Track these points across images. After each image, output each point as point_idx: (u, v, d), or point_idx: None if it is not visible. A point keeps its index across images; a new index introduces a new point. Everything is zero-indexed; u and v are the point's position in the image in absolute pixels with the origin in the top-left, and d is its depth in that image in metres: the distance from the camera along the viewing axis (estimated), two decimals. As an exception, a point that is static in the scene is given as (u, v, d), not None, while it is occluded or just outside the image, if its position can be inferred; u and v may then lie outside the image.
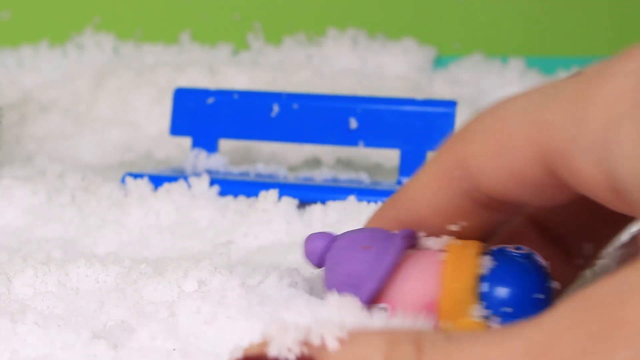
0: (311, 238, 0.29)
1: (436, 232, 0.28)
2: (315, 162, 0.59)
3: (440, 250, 0.28)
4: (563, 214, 0.30)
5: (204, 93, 0.55)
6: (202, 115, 0.55)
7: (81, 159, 0.62)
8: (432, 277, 0.27)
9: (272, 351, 0.23)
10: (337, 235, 0.29)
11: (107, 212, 0.45)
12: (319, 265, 0.29)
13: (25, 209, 0.46)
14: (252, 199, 0.46)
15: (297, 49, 0.78)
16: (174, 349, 0.26)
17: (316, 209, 0.45)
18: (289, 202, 0.45)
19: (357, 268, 0.27)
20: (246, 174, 0.53)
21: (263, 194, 0.46)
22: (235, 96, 0.54)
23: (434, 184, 0.28)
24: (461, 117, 0.54)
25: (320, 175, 0.53)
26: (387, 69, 0.75)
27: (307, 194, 0.47)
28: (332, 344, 0.22)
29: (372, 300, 0.27)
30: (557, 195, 0.26)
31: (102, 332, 0.28)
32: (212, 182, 0.48)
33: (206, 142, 0.54)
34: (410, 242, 0.28)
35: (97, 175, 0.53)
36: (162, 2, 0.80)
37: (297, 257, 0.39)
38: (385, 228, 0.29)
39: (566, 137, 0.24)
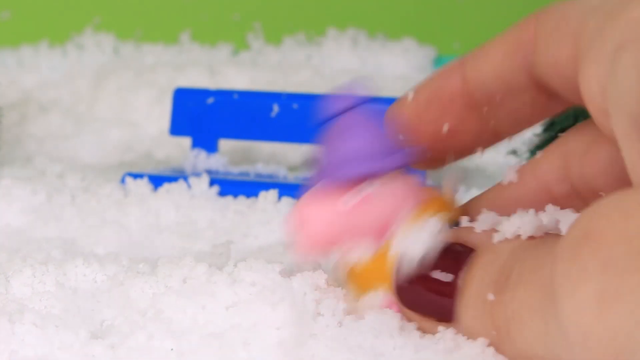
0: (337, 96, 0.29)
1: (491, 98, 0.28)
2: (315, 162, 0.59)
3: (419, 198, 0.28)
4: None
5: (204, 93, 0.55)
6: (202, 115, 0.54)
7: (81, 159, 0.62)
8: (405, 205, 0.27)
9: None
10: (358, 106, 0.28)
11: (107, 212, 0.45)
12: (329, 118, 0.28)
13: (25, 209, 0.46)
14: (252, 199, 0.46)
15: (297, 49, 0.78)
16: (172, 349, 0.26)
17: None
18: (289, 202, 0.45)
19: (362, 146, 0.27)
20: (246, 174, 0.53)
21: (263, 194, 0.46)
22: (235, 96, 0.54)
23: (504, 47, 0.28)
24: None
25: (320, 175, 0.52)
26: (387, 69, 0.75)
27: (307, 194, 0.47)
28: None
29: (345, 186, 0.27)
30: (545, 108, 0.27)
31: (100, 331, 0.28)
32: (212, 182, 0.48)
33: (206, 142, 0.54)
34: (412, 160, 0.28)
35: (97, 175, 0.53)
36: (162, 2, 0.80)
37: (296, 257, 0.39)
38: (447, 82, 0.29)
39: (586, 46, 0.24)
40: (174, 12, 0.80)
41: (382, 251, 0.27)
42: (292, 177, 0.52)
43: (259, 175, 0.53)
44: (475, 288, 0.25)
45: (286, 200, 0.45)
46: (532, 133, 0.46)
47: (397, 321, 0.27)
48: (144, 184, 0.48)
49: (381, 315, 0.27)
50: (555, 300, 0.21)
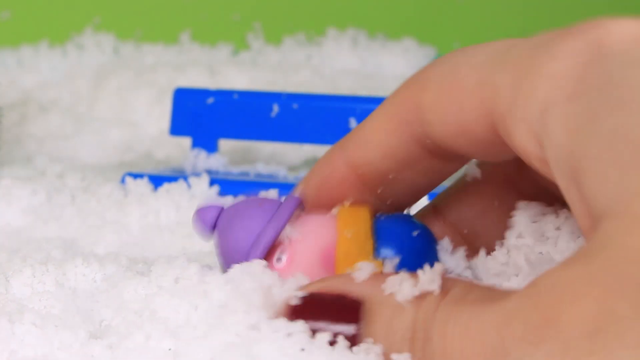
0: (201, 208, 0.31)
1: (383, 177, 0.28)
2: (315, 162, 0.59)
3: (333, 211, 0.28)
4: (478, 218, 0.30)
5: (204, 93, 0.55)
6: (202, 115, 0.54)
7: (81, 159, 0.62)
8: (327, 229, 0.28)
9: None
10: (228, 206, 0.30)
11: (107, 212, 0.45)
12: (211, 229, 0.30)
13: (25, 209, 0.46)
14: (252, 199, 0.46)
15: (297, 49, 0.78)
16: (170, 349, 0.26)
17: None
18: (289, 202, 0.45)
19: (252, 223, 0.29)
20: (246, 174, 0.53)
21: (263, 194, 0.46)
22: (235, 96, 0.54)
23: (386, 126, 0.28)
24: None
25: (320, 175, 0.53)
26: (387, 69, 0.75)
27: (307, 194, 0.47)
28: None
29: (267, 253, 0.28)
30: (502, 153, 0.26)
31: (99, 331, 0.28)
32: (212, 182, 0.48)
33: (206, 142, 0.54)
34: (300, 206, 0.29)
35: (97, 175, 0.53)
36: (162, 2, 0.80)
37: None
38: (332, 170, 0.29)
39: (508, 103, 0.24)
40: (174, 12, 0.80)
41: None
42: (292, 177, 0.52)
43: (259, 175, 0.53)
44: (384, 343, 0.24)
45: (286, 200, 0.45)
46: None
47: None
48: (144, 184, 0.48)
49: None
50: None
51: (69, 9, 0.79)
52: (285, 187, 0.47)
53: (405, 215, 0.30)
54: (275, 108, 0.54)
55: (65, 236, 0.44)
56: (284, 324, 0.26)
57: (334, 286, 0.26)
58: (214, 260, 0.36)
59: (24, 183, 0.48)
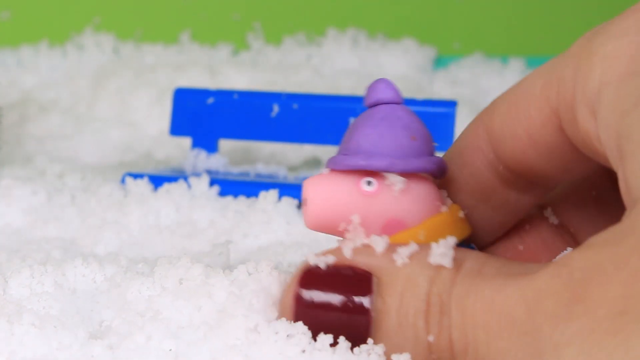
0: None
1: (462, 208, 0.27)
2: (315, 162, 0.59)
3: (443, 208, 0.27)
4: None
5: (204, 93, 0.55)
6: (202, 115, 0.55)
7: (81, 159, 0.62)
8: (428, 206, 0.27)
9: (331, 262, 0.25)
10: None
11: (107, 212, 0.45)
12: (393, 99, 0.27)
13: (25, 209, 0.46)
14: (252, 199, 0.46)
15: (297, 49, 0.78)
16: (170, 349, 0.26)
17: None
18: (289, 202, 0.45)
19: (395, 142, 0.26)
20: (246, 174, 0.53)
21: (263, 194, 0.46)
22: (235, 96, 0.54)
23: (459, 158, 0.28)
24: (461, 117, 0.54)
25: (320, 175, 0.52)
26: (387, 69, 0.75)
27: (307, 194, 0.47)
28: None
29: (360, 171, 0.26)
30: (570, 162, 0.26)
31: (99, 332, 0.28)
32: (212, 182, 0.48)
33: (206, 142, 0.54)
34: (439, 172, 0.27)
35: (97, 175, 0.53)
36: (162, 2, 0.80)
37: (297, 257, 0.39)
38: None
39: (571, 91, 0.25)
40: (174, 12, 0.80)
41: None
42: (292, 177, 0.52)
43: (259, 175, 0.53)
44: (396, 317, 0.24)
45: (286, 200, 0.45)
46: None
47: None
48: (144, 184, 0.48)
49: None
50: (545, 352, 0.22)
51: (69, 9, 0.79)
52: (285, 187, 0.48)
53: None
54: (275, 108, 0.54)
55: (65, 236, 0.44)
56: (284, 325, 0.26)
57: (345, 257, 0.25)
58: (214, 260, 0.36)
59: (24, 183, 0.48)
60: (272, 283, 0.28)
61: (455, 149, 0.28)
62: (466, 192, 0.28)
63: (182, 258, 0.30)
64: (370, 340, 0.25)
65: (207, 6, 0.80)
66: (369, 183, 0.26)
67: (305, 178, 0.52)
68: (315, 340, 0.25)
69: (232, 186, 0.48)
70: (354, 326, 0.25)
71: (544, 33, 0.76)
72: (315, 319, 0.25)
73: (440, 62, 0.75)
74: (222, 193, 0.48)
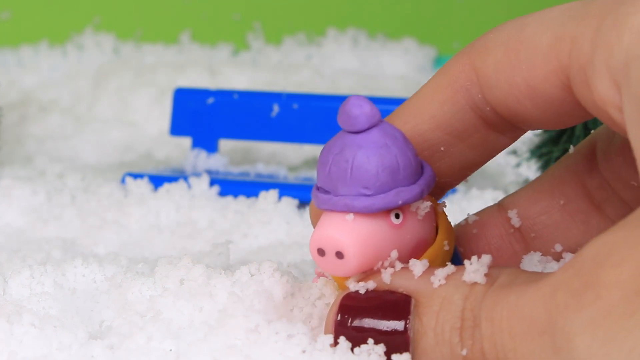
0: (358, 100, 0.26)
1: (433, 150, 0.27)
2: (315, 162, 0.59)
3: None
4: (539, 213, 0.30)
5: (204, 93, 0.55)
6: (202, 115, 0.54)
7: (81, 159, 0.62)
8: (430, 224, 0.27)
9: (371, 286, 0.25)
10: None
11: (107, 212, 0.45)
12: (367, 126, 0.25)
13: (25, 209, 0.46)
14: (252, 199, 0.46)
15: (297, 49, 0.78)
16: (170, 350, 0.26)
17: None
18: (289, 202, 0.45)
19: (404, 172, 0.26)
20: (246, 174, 0.53)
21: (263, 194, 0.46)
22: (235, 96, 0.54)
23: (441, 95, 0.27)
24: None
25: (320, 175, 0.52)
26: (387, 69, 0.75)
27: (307, 194, 0.47)
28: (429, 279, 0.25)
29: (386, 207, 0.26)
30: (567, 116, 0.26)
31: (99, 332, 0.28)
32: (212, 182, 0.48)
33: (206, 142, 0.54)
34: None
35: (97, 175, 0.53)
36: (162, 2, 0.80)
37: (296, 257, 0.39)
38: None
39: (589, 55, 0.24)
40: (174, 12, 0.80)
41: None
42: (292, 177, 0.52)
43: (259, 175, 0.53)
44: (433, 334, 0.25)
45: (286, 200, 0.45)
46: (533, 133, 0.46)
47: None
48: (144, 184, 0.48)
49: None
50: (561, 346, 0.22)
51: (69, 9, 0.79)
52: (285, 187, 0.48)
53: None
54: (275, 108, 0.54)
55: (65, 236, 0.44)
56: (284, 326, 0.26)
57: (384, 282, 0.26)
58: (214, 260, 0.36)
59: (24, 183, 0.48)
60: (273, 285, 0.28)
61: (437, 84, 0.27)
62: (444, 128, 0.27)
63: (183, 258, 0.30)
64: (418, 333, 0.25)
65: (207, 6, 0.80)
66: (397, 216, 0.26)
67: (305, 178, 0.52)
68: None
69: (232, 186, 0.48)
70: (393, 347, 0.25)
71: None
72: (357, 341, 0.25)
73: (440, 62, 0.75)
74: (222, 193, 0.48)
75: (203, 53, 0.78)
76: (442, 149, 0.27)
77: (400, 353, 0.25)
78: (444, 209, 0.28)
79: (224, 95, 0.55)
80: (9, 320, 0.27)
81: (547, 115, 0.26)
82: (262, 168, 0.54)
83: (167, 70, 0.71)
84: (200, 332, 0.27)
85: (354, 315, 0.25)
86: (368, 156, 0.25)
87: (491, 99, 0.26)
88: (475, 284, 0.25)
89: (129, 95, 0.68)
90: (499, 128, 0.27)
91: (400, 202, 0.25)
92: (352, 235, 0.25)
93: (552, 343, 0.22)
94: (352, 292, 0.26)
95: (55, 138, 0.64)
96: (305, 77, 0.71)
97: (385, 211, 0.26)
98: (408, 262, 0.26)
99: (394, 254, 0.26)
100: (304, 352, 0.25)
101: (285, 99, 0.54)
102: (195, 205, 0.46)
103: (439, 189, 0.29)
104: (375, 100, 0.54)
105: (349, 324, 0.25)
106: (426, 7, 0.78)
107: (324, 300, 0.28)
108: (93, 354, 0.26)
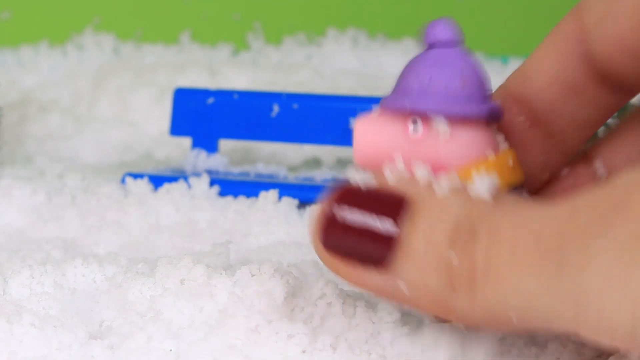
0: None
1: (550, 107, 0.27)
2: (315, 162, 0.59)
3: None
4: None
5: (204, 93, 0.55)
6: (202, 115, 0.54)
7: (81, 159, 0.62)
8: (478, 148, 0.26)
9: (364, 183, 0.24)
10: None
11: (107, 212, 0.45)
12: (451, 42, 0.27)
13: (25, 209, 0.46)
14: (252, 199, 0.46)
15: (297, 49, 0.78)
16: (170, 350, 0.26)
17: (316, 209, 0.45)
18: (289, 202, 0.45)
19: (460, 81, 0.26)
20: (246, 174, 0.53)
21: (263, 194, 0.46)
22: (235, 96, 0.54)
23: (551, 55, 0.27)
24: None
25: (320, 175, 0.53)
26: (387, 69, 0.75)
27: (307, 194, 0.47)
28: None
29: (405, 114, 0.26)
30: None
31: (99, 332, 0.28)
32: (212, 182, 0.48)
33: (206, 142, 0.54)
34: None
35: (97, 175, 0.53)
36: (162, 2, 0.80)
37: (297, 257, 0.39)
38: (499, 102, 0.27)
39: None
40: (174, 12, 0.80)
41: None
42: (292, 177, 0.52)
43: (259, 175, 0.53)
44: (422, 238, 0.23)
45: (286, 200, 0.45)
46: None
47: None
48: (144, 184, 0.48)
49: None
50: (569, 267, 0.20)
51: (69, 9, 0.79)
52: (285, 187, 0.48)
53: None
54: (275, 108, 0.54)
55: (65, 236, 0.44)
56: (285, 326, 0.26)
57: (386, 181, 0.25)
58: (214, 260, 0.36)
59: (24, 183, 0.48)
60: (274, 285, 0.28)
61: (550, 42, 0.27)
62: (559, 84, 0.27)
63: (183, 258, 0.30)
64: (408, 241, 0.24)
65: (207, 6, 0.80)
66: (415, 127, 0.26)
67: (305, 178, 0.52)
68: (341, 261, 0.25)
69: (232, 186, 0.48)
70: (379, 246, 0.24)
71: (544, 33, 0.76)
72: (343, 235, 0.25)
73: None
74: (222, 193, 0.48)
75: (203, 53, 0.78)
76: (558, 105, 0.27)
77: (386, 256, 0.24)
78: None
79: (224, 95, 0.55)
80: (9, 320, 0.27)
81: None
82: (262, 168, 0.54)
83: (167, 70, 0.71)
84: (200, 332, 0.27)
85: (347, 204, 0.25)
86: (417, 64, 0.26)
87: (595, 54, 0.26)
88: (480, 199, 0.24)
89: (129, 95, 0.68)
90: (610, 85, 0.27)
91: (408, 106, 0.25)
92: (365, 124, 0.26)
93: (556, 263, 0.20)
94: (349, 188, 0.25)
95: (55, 138, 0.64)
96: (305, 77, 0.71)
97: (405, 118, 0.26)
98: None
99: (398, 157, 0.25)
100: (304, 352, 0.25)
101: (285, 99, 0.54)
102: (195, 205, 0.46)
103: (560, 154, 0.28)
104: (375, 100, 0.54)
105: (339, 217, 0.25)
106: (426, 7, 0.78)
107: (325, 300, 0.28)
108: (93, 354, 0.26)
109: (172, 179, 0.48)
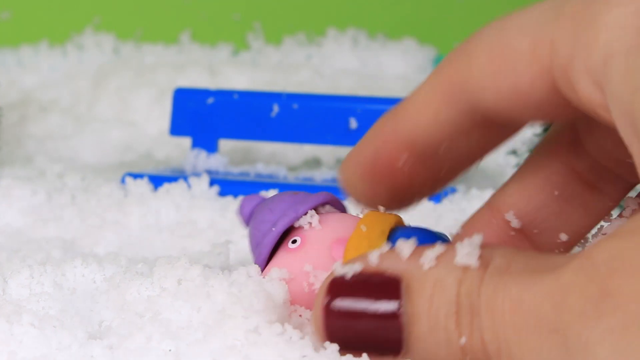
0: (243, 199, 0.31)
1: (435, 148, 0.27)
2: (315, 162, 0.59)
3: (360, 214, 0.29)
4: (537, 209, 0.30)
5: (204, 93, 0.55)
6: (202, 115, 0.55)
7: (81, 159, 0.62)
8: (347, 224, 0.29)
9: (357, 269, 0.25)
10: (268, 198, 0.31)
11: (107, 212, 0.45)
12: (247, 220, 0.31)
13: (25, 209, 0.46)
14: (252, 199, 0.46)
15: (297, 49, 0.78)
16: (170, 350, 0.26)
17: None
18: (289, 202, 0.45)
19: (280, 205, 0.30)
20: (246, 174, 0.53)
21: (263, 194, 0.46)
22: (235, 96, 0.54)
23: (434, 101, 0.27)
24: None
25: (320, 175, 0.53)
26: (387, 69, 0.75)
27: (307, 194, 0.47)
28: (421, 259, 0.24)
29: (284, 236, 0.29)
30: (558, 113, 0.26)
31: (98, 332, 0.28)
32: (212, 182, 0.48)
33: (206, 142, 0.54)
34: (329, 201, 0.30)
35: (97, 175, 0.53)
36: (162, 2, 0.80)
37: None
38: (383, 141, 0.28)
39: (569, 57, 0.24)
40: (174, 12, 0.80)
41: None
42: (292, 177, 0.52)
43: (259, 175, 0.53)
44: (427, 320, 0.24)
45: (286, 200, 0.45)
46: (532, 133, 0.46)
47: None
48: (144, 184, 0.48)
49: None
50: (577, 351, 0.21)
51: (69, 9, 0.79)
52: (285, 187, 0.48)
53: (427, 229, 0.29)
54: (275, 108, 0.54)
55: (65, 236, 0.44)
56: (284, 327, 0.26)
57: (371, 265, 0.25)
58: (214, 260, 0.36)
59: (24, 183, 0.48)
60: (272, 285, 0.28)
61: (428, 90, 0.28)
62: (442, 131, 0.27)
63: (181, 258, 0.30)
64: (412, 317, 0.24)
65: (207, 6, 0.80)
66: (293, 241, 0.29)
67: (305, 178, 0.52)
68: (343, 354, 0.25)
69: (232, 186, 0.48)
70: (385, 333, 0.24)
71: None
72: (346, 329, 0.25)
73: (440, 62, 0.75)
74: (222, 193, 0.48)
75: (203, 53, 0.78)
76: (443, 147, 0.27)
77: (394, 342, 0.24)
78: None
79: (224, 95, 0.55)
80: (9, 320, 0.27)
81: (535, 114, 0.26)
82: (262, 168, 0.54)
83: (167, 70, 0.71)
84: (199, 332, 0.27)
85: (343, 296, 0.25)
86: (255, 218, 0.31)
87: (481, 104, 0.26)
88: (468, 267, 0.24)
89: (129, 95, 0.68)
90: (496, 126, 0.27)
91: (275, 230, 0.29)
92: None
93: (565, 344, 0.21)
94: (337, 277, 0.25)
95: (55, 138, 0.64)
96: (305, 77, 0.71)
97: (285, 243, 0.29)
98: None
99: (308, 267, 0.28)
100: (304, 356, 0.25)
101: (285, 99, 0.54)
102: (195, 205, 0.46)
103: (445, 181, 0.29)
104: (375, 100, 0.54)
105: (338, 308, 0.25)
106: (426, 7, 0.78)
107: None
108: (93, 354, 0.26)
109: (172, 179, 0.48)
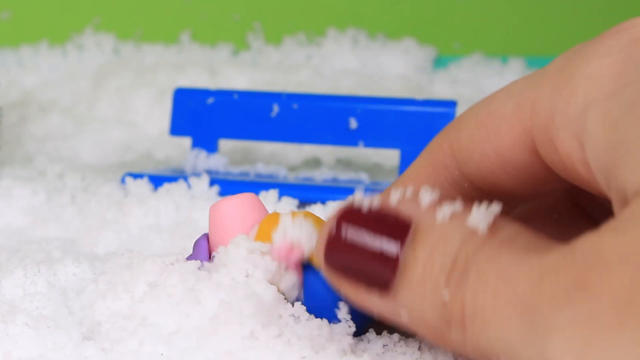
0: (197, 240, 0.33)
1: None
2: (315, 162, 0.59)
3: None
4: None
5: (204, 93, 0.55)
6: (202, 115, 0.55)
7: (81, 159, 0.62)
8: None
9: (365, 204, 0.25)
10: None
11: (107, 212, 0.45)
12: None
13: (25, 209, 0.46)
14: (252, 199, 0.46)
15: (297, 49, 0.78)
16: (162, 354, 0.26)
17: (316, 209, 0.45)
18: (289, 202, 0.45)
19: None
20: (246, 174, 0.53)
21: (263, 194, 0.46)
22: (235, 96, 0.54)
23: (426, 173, 0.28)
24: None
25: (320, 175, 0.53)
26: (387, 69, 0.75)
27: (307, 194, 0.47)
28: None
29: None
30: (540, 182, 0.26)
31: (91, 333, 0.28)
32: (212, 182, 0.48)
33: (206, 142, 0.54)
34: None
35: (97, 175, 0.53)
36: (162, 2, 0.80)
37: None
38: None
39: (549, 113, 0.24)
40: (174, 12, 0.80)
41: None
42: (292, 177, 0.52)
43: (259, 175, 0.53)
44: (422, 269, 0.24)
45: (286, 200, 0.45)
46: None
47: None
48: (144, 184, 0.48)
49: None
50: (538, 332, 0.22)
51: (69, 9, 0.79)
52: (285, 187, 0.48)
53: None
54: (275, 108, 0.54)
55: (65, 236, 0.44)
56: (282, 329, 0.26)
57: (390, 204, 0.25)
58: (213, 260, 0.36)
59: (24, 183, 0.48)
60: (261, 286, 0.27)
61: (420, 164, 0.29)
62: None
63: (169, 257, 0.30)
64: (409, 263, 0.25)
65: (207, 6, 0.80)
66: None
67: (305, 178, 0.52)
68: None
69: (232, 186, 0.48)
70: (380, 270, 0.25)
71: (543, 33, 0.76)
72: (345, 256, 0.25)
73: (440, 62, 0.75)
74: (222, 193, 0.48)
75: (203, 53, 0.78)
76: None
77: (385, 280, 0.25)
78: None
79: (224, 95, 0.55)
80: (4, 320, 0.27)
81: (521, 183, 0.26)
82: (262, 168, 0.54)
83: (167, 70, 0.71)
84: (192, 337, 0.26)
85: (354, 224, 0.25)
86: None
87: (467, 173, 0.27)
88: (476, 230, 0.24)
89: (129, 95, 0.68)
90: (482, 192, 0.28)
91: (196, 259, 0.31)
92: None
93: (531, 324, 0.22)
94: (354, 207, 0.26)
95: (55, 138, 0.64)
96: (305, 77, 0.71)
97: None
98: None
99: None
100: (304, 358, 0.25)
101: (285, 99, 0.54)
102: (195, 205, 0.46)
103: None
104: (375, 100, 0.54)
105: (345, 235, 0.25)
106: (426, 7, 0.78)
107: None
108: (87, 355, 0.26)
109: (172, 179, 0.48)
